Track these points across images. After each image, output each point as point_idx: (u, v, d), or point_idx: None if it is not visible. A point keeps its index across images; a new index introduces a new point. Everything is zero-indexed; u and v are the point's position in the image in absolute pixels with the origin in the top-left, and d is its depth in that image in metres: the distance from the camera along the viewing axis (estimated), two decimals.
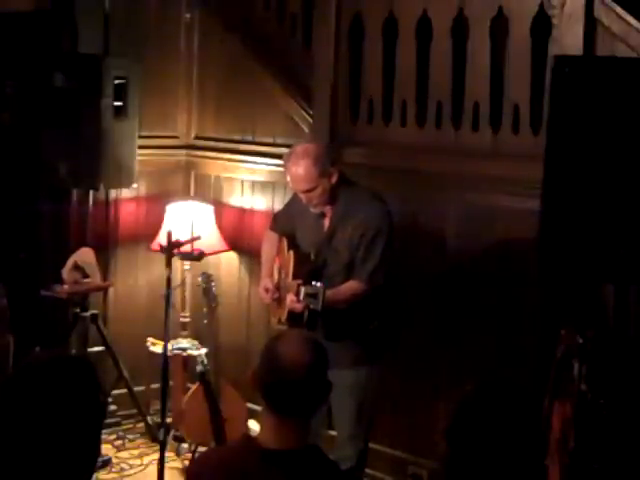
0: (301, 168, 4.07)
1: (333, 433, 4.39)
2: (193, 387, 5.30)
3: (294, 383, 2.48)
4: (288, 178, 4.20)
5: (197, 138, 6.07)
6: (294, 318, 4.11)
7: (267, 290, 4.28)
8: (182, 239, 4.58)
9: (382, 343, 4.25)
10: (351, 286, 4.10)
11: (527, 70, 4.49)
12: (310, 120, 5.38)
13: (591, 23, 4.19)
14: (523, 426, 2.10)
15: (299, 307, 3.96)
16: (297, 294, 3.90)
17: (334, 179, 4.12)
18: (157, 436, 4.87)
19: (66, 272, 5.21)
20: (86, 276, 5.28)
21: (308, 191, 4.11)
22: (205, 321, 5.37)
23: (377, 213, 4.14)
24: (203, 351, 5.39)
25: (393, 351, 4.32)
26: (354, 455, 4.22)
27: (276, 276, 4.36)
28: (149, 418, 5.47)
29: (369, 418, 4.28)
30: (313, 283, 3.86)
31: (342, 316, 4.10)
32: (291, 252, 4.25)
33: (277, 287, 4.29)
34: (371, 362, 4.22)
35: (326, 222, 4.22)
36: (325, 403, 2.86)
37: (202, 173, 6.03)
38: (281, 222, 4.49)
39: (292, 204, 4.45)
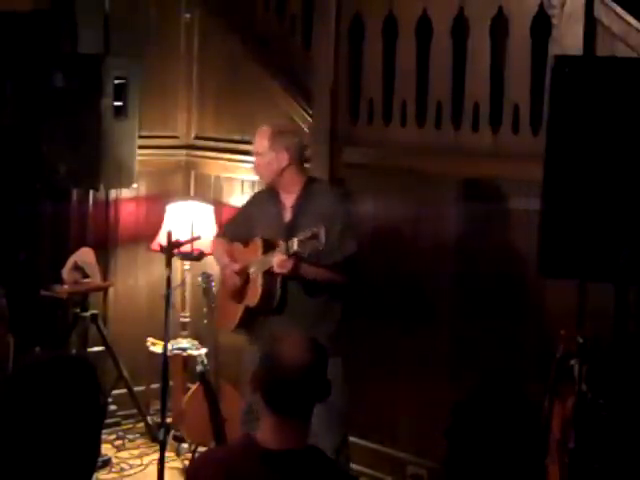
0: (260, 132, 4.29)
1: None
2: (193, 387, 5.30)
3: (294, 383, 2.48)
4: None
5: (197, 138, 6.07)
6: (266, 301, 4.14)
7: (237, 273, 4.30)
8: (182, 239, 4.59)
9: (341, 334, 4.20)
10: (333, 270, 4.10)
11: (527, 70, 4.49)
12: (310, 120, 5.37)
13: (591, 23, 4.19)
14: (523, 426, 2.11)
15: (289, 265, 3.98)
16: (286, 251, 3.95)
17: (283, 162, 4.21)
18: (157, 436, 4.86)
19: (66, 272, 5.21)
20: (86, 276, 5.29)
21: (256, 154, 4.30)
22: (205, 321, 5.37)
23: (340, 207, 4.20)
24: (203, 351, 5.40)
25: (354, 343, 4.28)
26: (331, 451, 3.97)
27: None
28: (149, 418, 5.48)
29: (342, 413, 4.15)
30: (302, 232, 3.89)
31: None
32: (257, 239, 4.27)
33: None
34: (332, 354, 4.15)
35: (286, 214, 4.27)
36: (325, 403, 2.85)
37: (202, 173, 6.03)
38: (232, 229, 4.56)
39: (247, 208, 4.55)
